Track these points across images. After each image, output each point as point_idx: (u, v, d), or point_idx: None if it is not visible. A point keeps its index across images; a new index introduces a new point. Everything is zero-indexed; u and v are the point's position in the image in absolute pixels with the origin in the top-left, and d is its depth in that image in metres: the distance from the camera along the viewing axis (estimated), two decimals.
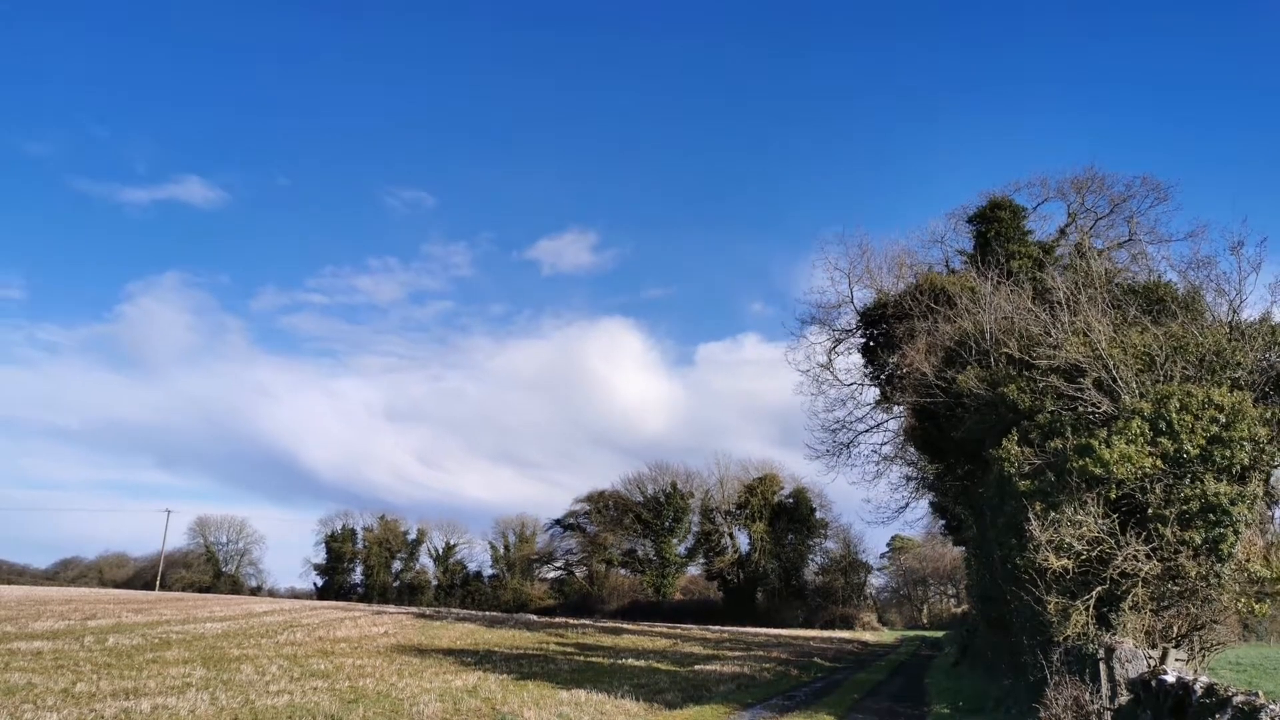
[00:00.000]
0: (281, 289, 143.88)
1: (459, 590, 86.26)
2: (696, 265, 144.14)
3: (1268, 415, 15.38)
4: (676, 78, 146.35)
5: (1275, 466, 15.82)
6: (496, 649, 28.99)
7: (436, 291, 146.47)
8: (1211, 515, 14.14)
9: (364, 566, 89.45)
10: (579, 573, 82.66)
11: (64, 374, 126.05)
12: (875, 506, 41.78)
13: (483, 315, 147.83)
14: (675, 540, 78.91)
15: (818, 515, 76.20)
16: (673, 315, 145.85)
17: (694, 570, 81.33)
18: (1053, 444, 15.68)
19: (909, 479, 35.43)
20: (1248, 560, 14.74)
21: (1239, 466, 14.73)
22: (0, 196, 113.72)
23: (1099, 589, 14.12)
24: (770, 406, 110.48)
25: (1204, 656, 15.74)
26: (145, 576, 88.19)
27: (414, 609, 57.54)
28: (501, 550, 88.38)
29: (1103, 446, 14.60)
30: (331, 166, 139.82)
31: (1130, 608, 14.37)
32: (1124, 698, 12.72)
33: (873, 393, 36.66)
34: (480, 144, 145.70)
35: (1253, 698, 9.23)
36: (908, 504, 35.95)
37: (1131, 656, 13.22)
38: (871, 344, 34.93)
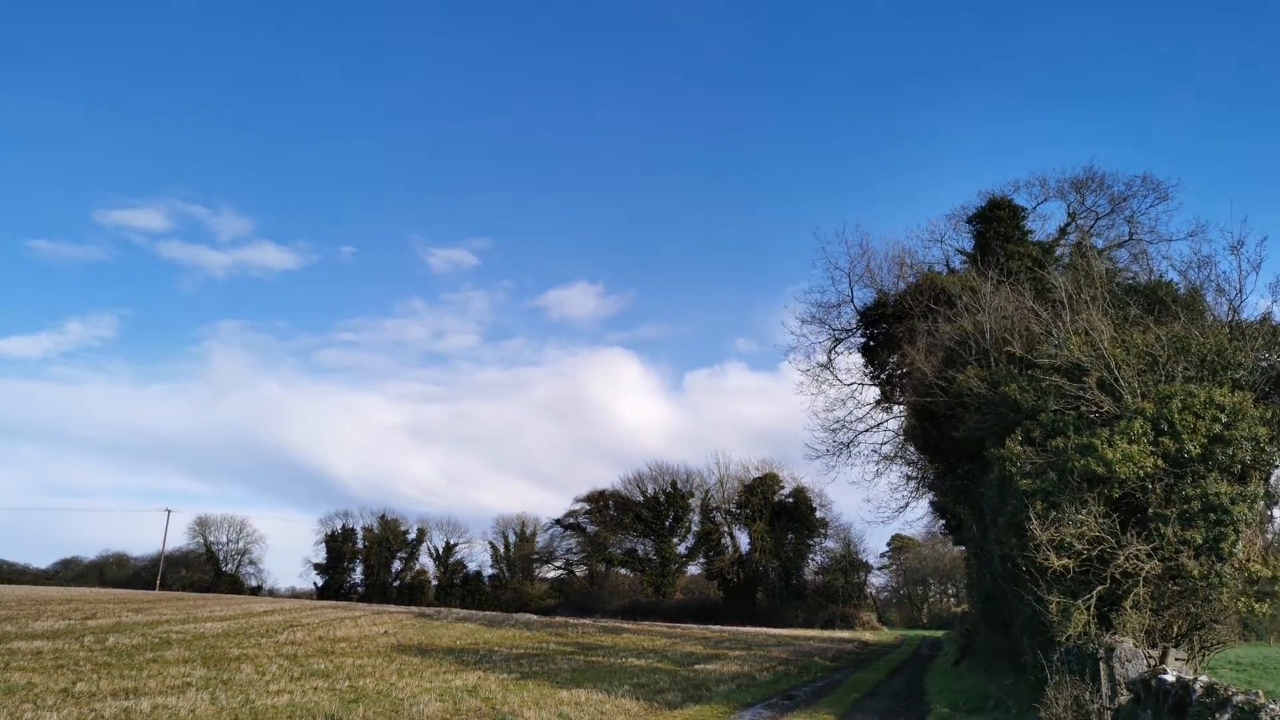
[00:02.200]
0: (316, 333, 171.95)
1: (459, 590, 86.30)
2: (688, 309, 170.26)
3: (1268, 415, 15.38)
4: (675, 134, 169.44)
5: (1276, 466, 15.82)
6: (496, 648, 28.99)
7: (456, 329, 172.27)
8: (1212, 515, 14.14)
9: (364, 566, 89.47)
10: (579, 572, 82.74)
11: (132, 400, 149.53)
12: (875, 506, 41.87)
13: (499, 350, 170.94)
14: (675, 540, 78.98)
15: (818, 515, 76.24)
16: (666, 350, 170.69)
17: (694, 570, 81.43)
18: (1054, 443, 15.67)
19: (909, 478, 35.39)
20: (1248, 560, 14.74)
21: (1240, 466, 14.73)
22: (111, 260, 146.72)
23: (1100, 588, 14.12)
24: (758, 427, 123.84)
25: (1204, 656, 15.74)
26: (145, 576, 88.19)
27: (414, 608, 57.56)
28: (502, 550, 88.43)
29: (1105, 446, 14.59)
30: (388, 230, 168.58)
31: (1131, 607, 14.36)
32: (1124, 697, 12.71)
33: (873, 392, 36.68)
34: (513, 211, 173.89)
35: (1253, 697, 9.23)
36: (908, 503, 35.89)
37: (1132, 656, 13.21)
38: (872, 343, 34.94)
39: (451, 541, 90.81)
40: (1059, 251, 33.13)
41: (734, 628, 55.38)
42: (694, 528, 79.05)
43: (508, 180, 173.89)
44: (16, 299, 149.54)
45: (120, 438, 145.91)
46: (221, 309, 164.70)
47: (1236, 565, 14.52)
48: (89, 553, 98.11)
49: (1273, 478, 16.10)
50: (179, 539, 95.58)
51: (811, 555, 77.25)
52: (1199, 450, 14.57)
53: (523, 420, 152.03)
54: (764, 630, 54.49)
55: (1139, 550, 14.07)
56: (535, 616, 56.34)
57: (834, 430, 37.05)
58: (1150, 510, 14.54)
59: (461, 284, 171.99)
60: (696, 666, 25.81)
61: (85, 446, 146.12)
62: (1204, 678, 11.02)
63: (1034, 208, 35.73)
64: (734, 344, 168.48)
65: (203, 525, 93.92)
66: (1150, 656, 13.48)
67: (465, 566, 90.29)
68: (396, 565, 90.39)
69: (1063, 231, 35.71)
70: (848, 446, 37.12)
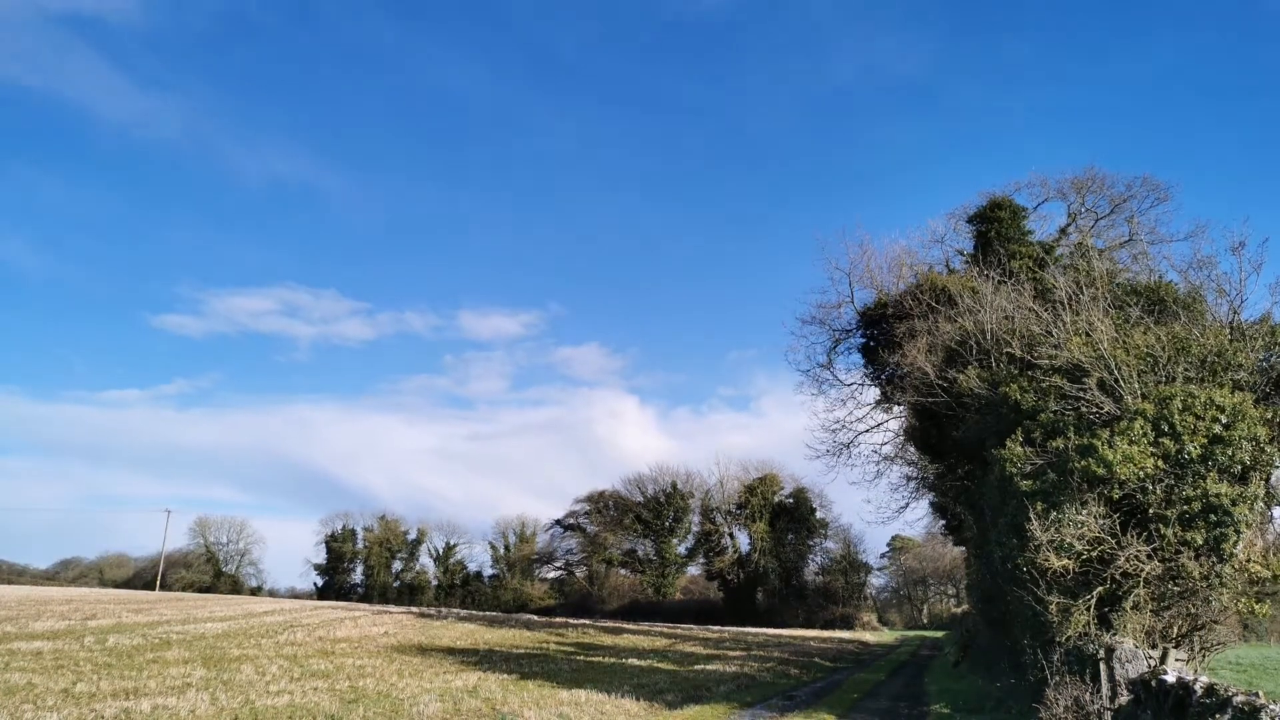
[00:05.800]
0: (362, 385, 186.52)
1: (459, 590, 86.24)
2: (680, 362, 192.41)
3: (1268, 415, 15.37)
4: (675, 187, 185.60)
5: (1276, 467, 15.80)
6: (497, 649, 28.99)
7: (480, 376, 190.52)
8: (1213, 516, 14.14)
9: (364, 567, 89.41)
10: (579, 573, 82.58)
11: (180, 424, 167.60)
12: (875, 506, 41.68)
13: (517, 395, 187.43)
14: (675, 540, 78.83)
15: (818, 515, 76.15)
16: (663, 394, 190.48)
17: (694, 570, 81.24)
18: (1055, 444, 15.67)
19: (909, 479, 35.35)
20: (1248, 560, 14.74)
21: (1240, 467, 14.73)
22: (231, 332, 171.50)
23: (1100, 589, 14.12)
24: (741, 453, 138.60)
25: (1204, 656, 15.75)
26: (145, 576, 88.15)
27: (414, 609, 57.55)
28: (502, 550, 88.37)
29: (1105, 447, 14.59)
30: (450, 303, 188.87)
31: (1131, 608, 14.37)
32: (1124, 698, 12.71)
33: (873, 393, 36.62)
34: (558, 289, 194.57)
35: (1253, 698, 9.23)
36: (908, 504, 35.82)
37: (1132, 656, 13.22)
38: (871, 344, 34.89)
39: (451, 542, 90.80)
40: (1060, 251, 33.10)
41: (734, 628, 55.36)
42: (694, 528, 78.92)
43: (558, 262, 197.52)
44: (142, 361, 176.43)
45: (166, 455, 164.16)
46: (297, 369, 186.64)
47: (1237, 566, 14.53)
48: (88, 552, 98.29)
49: (1273, 478, 16.08)
50: (179, 540, 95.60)
51: (811, 556, 77.17)
52: (1199, 451, 14.57)
53: (539, 449, 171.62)
54: (764, 631, 54.47)
55: (1139, 551, 14.07)
56: (535, 617, 56.35)
57: (834, 430, 37.03)
58: (1150, 511, 14.54)
59: (493, 344, 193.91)
60: (696, 667, 25.82)
61: (133, 462, 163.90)
62: (1204, 678, 11.03)
63: (1035, 208, 35.75)
64: (716, 389, 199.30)
65: (202, 526, 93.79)
66: (1150, 657, 13.49)
67: (465, 567, 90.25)
68: (397, 566, 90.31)
69: (1063, 232, 35.70)
70: (848, 447, 37.09)
